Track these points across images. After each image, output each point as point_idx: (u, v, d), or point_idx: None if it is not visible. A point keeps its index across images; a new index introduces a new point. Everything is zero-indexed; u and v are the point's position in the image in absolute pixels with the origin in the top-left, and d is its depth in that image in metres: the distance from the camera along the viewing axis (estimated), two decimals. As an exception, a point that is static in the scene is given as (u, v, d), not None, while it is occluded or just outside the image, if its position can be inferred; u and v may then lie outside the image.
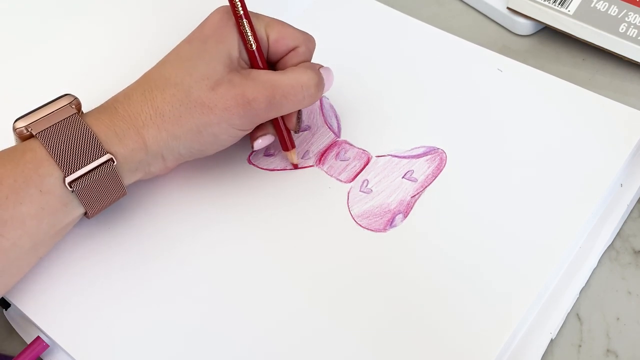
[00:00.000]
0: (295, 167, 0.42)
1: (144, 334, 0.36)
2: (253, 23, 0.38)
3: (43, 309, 0.38)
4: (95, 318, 0.37)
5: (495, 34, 0.52)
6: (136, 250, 0.39)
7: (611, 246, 0.40)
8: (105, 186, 0.36)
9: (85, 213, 0.37)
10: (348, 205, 0.40)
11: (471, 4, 0.54)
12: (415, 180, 0.41)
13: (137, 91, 0.38)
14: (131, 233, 0.40)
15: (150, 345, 0.36)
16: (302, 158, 0.43)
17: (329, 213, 0.40)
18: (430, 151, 0.42)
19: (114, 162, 0.36)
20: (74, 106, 0.37)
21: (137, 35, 0.49)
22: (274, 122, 0.40)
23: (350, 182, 0.42)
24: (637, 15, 0.47)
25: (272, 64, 0.40)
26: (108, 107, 0.37)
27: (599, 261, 0.40)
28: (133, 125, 0.37)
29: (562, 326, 0.37)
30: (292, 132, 0.41)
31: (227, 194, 0.41)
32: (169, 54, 0.39)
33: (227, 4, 0.38)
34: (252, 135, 0.40)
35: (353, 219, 0.40)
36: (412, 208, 0.40)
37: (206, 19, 0.39)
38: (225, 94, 0.37)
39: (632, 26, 0.47)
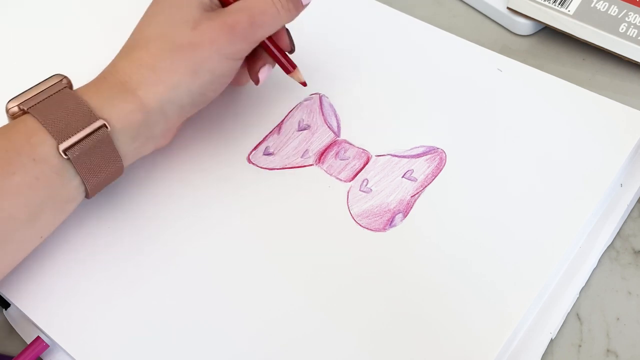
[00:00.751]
0: (304, 84, 0.42)
1: (144, 334, 0.36)
2: None
3: (43, 309, 0.38)
4: (95, 318, 0.37)
5: (495, 34, 0.52)
6: (136, 250, 0.39)
7: (611, 246, 0.40)
8: (101, 156, 0.36)
9: (85, 192, 0.37)
10: (348, 205, 0.40)
11: (471, 4, 0.54)
12: (415, 180, 0.41)
13: (121, 58, 0.38)
14: (131, 233, 0.40)
15: (150, 345, 0.36)
16: (301, 157, 0.43)
17: (328, 212, 0.40)
18: (430, 151, 0.42)
19: (107, 127, 0.36)
20: (64, 82, 0.37)
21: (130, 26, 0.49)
22: (268, 51, 0.41)
23: (350, 181, 0.42)
24: (637, 15, 0.47)
25: None
26: (97, 79, 0.38)
27: (599, 261, 0.40)
28: (124, 88, 0.37)
29: (562, 326, 0.37)
30: (288, 55, 0.42)
31: (227, 194, 0.41)
32: (140, 19, 0.39)
33: None
34: (252, 71, 0.41)
35: (353, 218, 0.40)
36: (411, 208, 0.40)
37: None
38: (207, 28, 0.37)
39: (632, 26, 0.47)
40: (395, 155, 0.42)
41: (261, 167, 0.43)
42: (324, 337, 0.36)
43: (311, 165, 0.43)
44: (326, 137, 0.44)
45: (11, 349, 0.39)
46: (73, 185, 0.36)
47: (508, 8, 0.51)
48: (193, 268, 0.39)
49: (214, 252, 0.39)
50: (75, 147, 0.35)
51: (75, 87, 0.38)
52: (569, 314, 0.38)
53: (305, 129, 0.44)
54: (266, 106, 0.45)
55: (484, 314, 0.36)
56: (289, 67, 0.41)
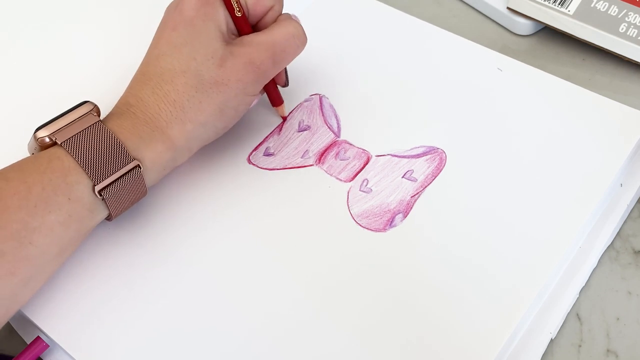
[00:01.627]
0: (284, 119, 0.44)
1: (143, 334, 0.36)
2: None
3: (43, 309, 0.38)
4: (95, 318, 0.37)
5: (495, 34, 0.52)
6: (136, 250, 0.39)
7: (611, 246, 0.40)
8: (131, 190, 0.37)
9: (109, 216, 0.37)
10: (348, 205, 0.40)
11: (471, 4, 0.54)
12: (415, 180, 0.41)
13: (146, 90, 0.38)
14: (131, 233, 0.40)
15: (150, 345, 0.36)
16: (301, 157, 0.43)
17: (328, 212, 0.40)
18: (430, 151, 0.42)
19: (140, 167, 0.36)
20: (95, 113, 0.37)
21: (129, 37, 0.49)
22: (265, 86, 0.42)
23: (350, 181, 0.42)
24: (637, 15, 0.47)
25: (253, 27, 0.41)
26: (125, 113, 0.37)
27: (599, 261, 0.40)
28: (157, 127, 0.37)
29: (562, 326, 0.37)
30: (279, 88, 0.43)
31: (227, 194, 0.41)
32: (157, 45, 0.38)
33: None
34: None
35: (353, 218, 0.40)
36: (411, 208, 0.40)
37: (179, 1, 0.39)
38: (234, 66, 0.38)
39: (632, 26, 0.47)
40: (396, 156, 0.42)
41: (261, 168, 0.43)
42: (324, 337, 0.36)
43: (311, 165, 0.43)
44: (326, 137, 0.44)
45: (11, 349, 0.39)
46: (101, 217, 0.37)
47: (508, 8, 0.51)
48: (193, 268, 0.39)
49: (214, 252, 0.39)
50: (110, 187, 0.36)
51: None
52: (569, 314, 0.38)
53: (305, 130, 0.44)
54: (266, 107, 0.45)
55: (484, 314, 0.36)
56: (277, 102, 0.44)
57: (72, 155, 0.35)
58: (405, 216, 0.40)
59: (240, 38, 0.39)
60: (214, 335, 0.36)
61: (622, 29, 0.47)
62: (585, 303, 0.38)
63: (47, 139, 0.36)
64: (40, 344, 0.37)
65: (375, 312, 0.36)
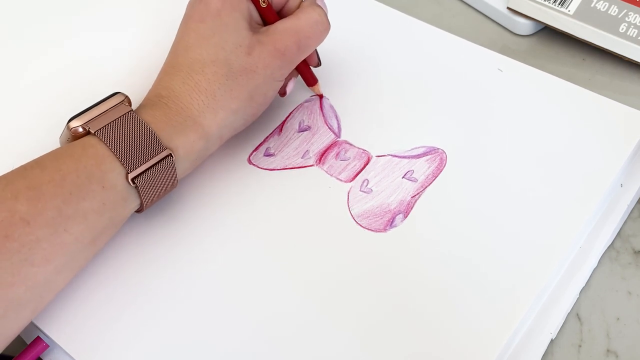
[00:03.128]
0: (321, 97, 0.45)
1: (143, 334, 0.36)
2: None
3: (43, 309, 0.37)
4: (95, 318, 0.37)
5: (495, 34, 0.52)
6: (136, 250, 0.39)
7: (611, 246, 0.40)
8: (163, 180, 0.37)
9: (140, 206, 0.38)
10: (348, 205, 0.40)
11: (471, 4, 0.54)
12: (415, 180, 0.41)
13: (176, 81, 0.38)
14: (131, 233, 0.40)
15: (150, 345, 0.36)
16: (302, 158, 0.43)
17: (329, 213, 0.40)
18: (431, 151, 0.42)
19: (172, 157, 0.37)
20: (126, 104, 0.37)
21: (148, 32, 0.49)
22: (298, 67, 0.43)
23: (350, 181, 0.42)
24: (637, 15, 0.47)
25: (278, 13, 0.42)
26: (157, 104, 0.38)
27: (599, 261, 0.40)
28: (189, 116, 0.38)
29: (562, 326, 0.37)
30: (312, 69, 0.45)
31: (227, 194, 0.41)
32: (184, 37, 0.39)
33: None
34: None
35: (353, 218, 0.40)
36: (412, 208, 0.40)
37: None
38: (261, 53, 0.38)
39: (632, 26, 0.47)
40: (396, 156, 0.42)
41: (262, 168, 0.43)
42: (325, 337, 0.36)
43: (312, 165, 0.43)
44: (326, 137, 0.44)
45: (11, 349, 0.39)
46: (133, 207, 0.37)
47: (508, 8, 0.51)
48: (193, 268, 0.39)
49: (214, 252, 0.39)
50: (143, 175, 0.36)
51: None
52: (569, 314, 0.38)
53: (305, 130, 0.44)
54: (267, 107, 0.45)
55: (484, 314, 0.36)
56: (312, 81, 0.45)
57: (105, 144, 0.35)
58: (405, 216, 0.40)
59: (267, 27, 0.40)
60: (214, 335, 0.36)
61: (622, 29, 0.47)
62: (585, 303, 0.38)
63: (80, 129, 0.36)
64: (40, 344, 0.37)
65: (375, 312, 0.36)
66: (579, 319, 0.38)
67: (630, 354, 0.37)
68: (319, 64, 0.45)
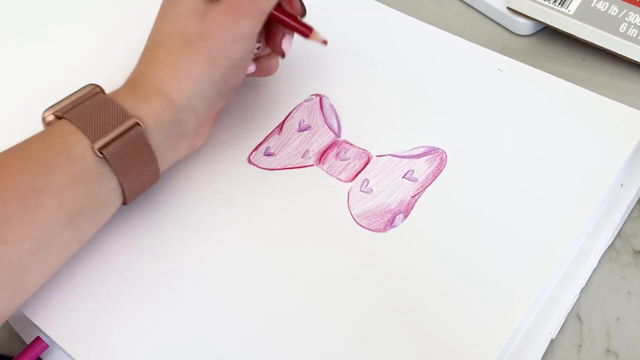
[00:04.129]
0: (325, 43, 0.41)
1: (143, 334, 0.36)
2: None
3: (43, 309, 0.38)
4: (95, 318, 0.37)
5: (495, 34, 0.52)
6: (136, 250, 0.39)
7: (611, 246, 0.40)
8: (137, 154, 0.37)
9: (123, 197, 0.37)
10: (348, 205, 0.40)
11: (471, 4, 0.54)
12: (415, 180, 0.41)
13: (143, 61, 0.39)
14: (130, 233, 0.40)
15: (150, 346, 0.36)
16: (302, 157, 0.43)
17: (329, 213, 0.40)
18: (431, 151, 0.42)
19: (140, 125, 0.36)
20: (97, 90, 0.38)
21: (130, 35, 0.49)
22: (280, 21, 0.40)
23: (351, 181, 0.42)
24: (637, 15, 0.47)
25: None
26: (126, 84, 0.39)
27: (599, 261, 0.40)
28: (152, 87, 0.38)
29: (562, 326, 0.37)
30: (301, 20, 0.41)
31: (227, 194, 0.41)
32: (155, 20, 0.40)
33: None
34: (275, 47, 0.41)
35: (353, 218, 0.40)
36: (412, 208, 0.40)
37: None
38: (215, 14, 0.38)
39: (632, 26, 0.47)
40: (396, 156, 0.42)
41: (262, 168, 0.42)
42: (324, 337, 0.36)
43: (312, 165, 0.43)
44: (327, 137, 0.44)
45: (11, 349, 0.39)
46: (110, 187, 0.37)
47: (508, 8, 0.51)
48: (193, 268, 0.39)
49: (214, 252, 0.39)
50: (110, 145, 0.36)
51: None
52: (569, 314, 0.38)
53: (305, 130, 0.44)
54: (267, 107, 0.45)
55: (485, 314, 0.36)
56: (306, 32, 0.41)
57: (71, 122, 0.36)
58: (405, 216, 0.40)
59: None
60: (214, 335, 0.36)
61: (622, 29, 0.47)
62: (585, 303, 0.38)
63: (52, 117, 0.37)
64: (40, 344, 0.37)
65: (375, 312, 0.36)
66: (579, 319, 0.38)
67: (630, 354, 0.37)
68: (303, 13, 0.42)
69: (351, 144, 0.43)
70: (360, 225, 0.39)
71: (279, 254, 0.39)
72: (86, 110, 0.36)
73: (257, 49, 0.42)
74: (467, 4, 0.54)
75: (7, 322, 0.39)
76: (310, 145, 0.43)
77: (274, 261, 0.39)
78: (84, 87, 0.38)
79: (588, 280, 0.39)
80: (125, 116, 0.36)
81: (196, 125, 0.39)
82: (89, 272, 0.39)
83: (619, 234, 0.41)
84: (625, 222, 0.41)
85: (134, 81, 0.39)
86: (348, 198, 0.41)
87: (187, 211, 0.41)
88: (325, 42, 0.41)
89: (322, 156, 0.43)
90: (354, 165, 0.42)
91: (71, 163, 0.35)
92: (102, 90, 0.39)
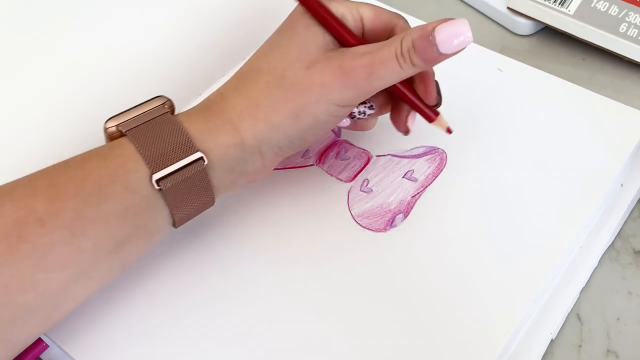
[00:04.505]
0: (450, 131, 0.38)
1: (144, 334, 0.36)
2: (334, 7, 0.36)
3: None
4: (95, 318, 0.37)
5: (495, 34, 0.52)
6: (136, 250, 0.39)
7: (611, 246, 0.40)
8: (194, 188, 0.34)
9: (173, 221, 0.35)
10: (348, 205, 0.40)
11: (471, 4, 0.54)
12: (415, 180, 0.41)
13: (230, 87, 0.36)
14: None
15: (150, 346, 0.36)
16: (302, 157, 0.43)
17: (329, 213, 0.40)
18: (431, 151, 0.42)
19: (204, 161, 0.34)
20: (166, 106, 0.36)
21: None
22: (408, 102, 0.38)
23: (351, 181, 0.42)
24: (637, 15, 0.47)
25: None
26: (201, 107, 0.36)
27: (599, 261, 0.40)
28: (228, 120, 0.35)
29: (562, 326, 0.37)
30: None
31: (226, 194, 0.41)
32: (261, 46, 0.37)
33: None
34: (397, 120, 0.39)
35: (353, 218, 0.40)
36: (412, 208, 0.40)
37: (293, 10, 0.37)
38: (322, 69, 0.34)
39: (632, 26, 0.47)
40: (396, 156, 0.42)
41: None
42: (324, 337, 0.36)
43: (312, 165, 0.43)
44: (327, 137, 0.44)
45: (11, 349, 0.39)
46: (162, 217, 0.35)
47: (508, 8, 0.51)
48: (192, 268, 0.39)
49: (213, 251, 0.39)
50: (169, 177, 0.34)
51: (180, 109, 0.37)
52: (569, 314, 0.38)
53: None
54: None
55: (485, 314, 0.36)
56: (432, 116, 0.38)
57: (134, 144, 0.33)
58: (405, 216, 0.40)
59: (348, 48, 0.36)
60: (213, 334, 0.36)
61: (622, 29, 0.47)
62: (585, 303, 0.38)
63: (115, 130, 0.35)
64: (40, 344, 0.37)
65: (375, 312, 0.36)
66: (579, 319, 0.38)
67: (630, 354, 0.37)
68: (439, 102, 0.38)
69: (351, 144, 0.43)
70: (360, 225, 0.39)
71: (278, 254, 0.39)
72: (151, 131, 0.34)
73: (363, 113, 0.38)
74: (467, 4, 0.54)
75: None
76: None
77: (274, 261, 0.38)
78: (152, 100, 0.36)
79: (588, 280, 0.39)
80: (192, 149, 0.34)
81: (260, 167, 0.36)
82: (88, 272, 0.39)
83: (619, 234, 0.41)
84: (625, 222, 0.41)
85: (212, 104, 0.36)
86: (348, 198, 0.41)
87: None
88: (450, 131, 0.38)
89: (322, 156, 0.43)
90: (354, 165, 0.42)
91: (125, 192, 0.33)
92: (172, 106, 0.36)
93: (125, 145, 0.34)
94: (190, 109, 0.36)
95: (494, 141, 0.42)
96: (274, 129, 0.35)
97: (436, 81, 0.38)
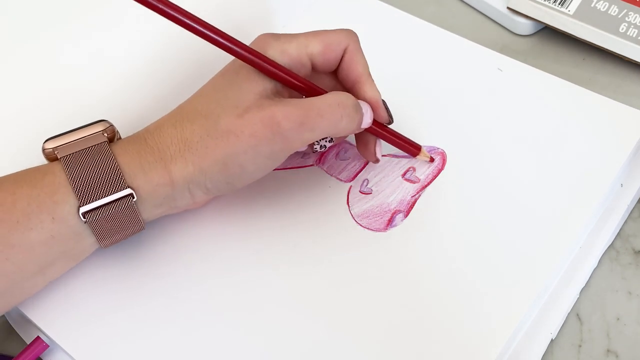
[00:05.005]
0: (432, 160, 0.41)
1: (143, 334, 0.36)
2: (281, 49, 0.36)
3: (43, 309, 0.38)
4: (95, 318, 0.37)
5: (495, 34, 0.51)
6: (135, 251, 0.39)
7: (611, 246, 0.40)
8: (122, 220, 0.35)
9: (101, 245, 0.36)
10: (348, 205, 0.40)
11: (471, 4, 0.54)
12: (415, 180, 0.41)
13: (169, 122, 0.36)
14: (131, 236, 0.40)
15: (150, 346, 0.36)
16: (301, 157, 0.43)
17: (328, 212, 0.40)
18: (431, 151, 0.42)
19: (133, 197, 0.34)
20: (106, 134, 0.36)
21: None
22: (391, 142, 0.39)
23: (350, 181, 0.42)
24: (637, 15, 0.47)
25: (333, 76, 0.39)
26: (138, 138, 0.36)
27: (599, 261, 0.40)
28: (161, 159, 0.35)
29: (562, 326, 0.37)
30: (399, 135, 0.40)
31: (226, 195, 0.41)
32: (203, 86, 0.37)
33: (261, 33, 0.37)
34: (366, 152, 0.40)
35: (353, 218, 0.40)
36: (412, 208, 0.40)
37: None
38: (253, 117, 0.34)
39: (632, 26, 0.47)
40: (396, 156, 0.42)
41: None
42: (324, 337, 0.36)
43: (311, 165, 0.43)
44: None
45: (11, 349, 0.39)
46: (89, 242, 0.36)
47: (508, 8, 0.51)
48: (192, 268, 0.39)
49: (213, 252, 0.39)
50: (97, 211, 0.34)
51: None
52: (569, 314, 0.38)
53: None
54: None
55: (485, 314, 0.36)
56: (415, 151, 0.40)
57: (65, 173, 0.34)
58: (405, 216, 0.40)
59: (288, 98, 0.36)
60: (213, 335, 0.36)
61: (622, 29, 0.47)
62: (585, 303, 0.38)
63: (53, 152, 0.35)
64: (40, 344, 0.37)
65: (375, 312, 0.36)
66: (579, 319, 0.38)
67: (630, 354, 0.37)
68: (389, 121, 0.39)
69: (351, 144, 0.43)
70: (360, 225, 0.39)
71: (278, 254, 0.39)
72: (85, 161, 0.34)
73: (324, 147, 0.38)
74: (467, 4, 0.54)
75: (7, 322, 0.40)
76: (310, 145, 0.43)
77: (274, 261, 0.39)
78: (94, 124, 0.36)
79: (588, 280, 0.39)
80: (122, 185, 0.34)
81: (190, 202, 0.37)
82: (89, 272, 0.39)
83: (619, 234, 0.41)
84: (625, 222, 0.41)
85: (149, 137, 0.36)
86: (348, 198, 0.41)
87: (187, 211, 0.41)
88: (432, 160, 0.41)
89: (322, 156, 0.43)
90: (354, 165, 0.42)
91: (52, 222, 0.34)
92: (113, 133, 0.36)
93: (57, 173, 0.34)
94: (128, 137, 0.36)
95: (494, 141, 0.42)
96: (202, 174, 0.35)
97: (383, 100, 0.39)
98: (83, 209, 0.34)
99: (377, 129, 0.39)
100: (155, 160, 0.35)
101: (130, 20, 0.48)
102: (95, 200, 0.34)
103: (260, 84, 0.35)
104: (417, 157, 0.41)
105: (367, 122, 0.37)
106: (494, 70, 0.46)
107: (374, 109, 0.38)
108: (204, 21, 0.34)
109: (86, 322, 0.37)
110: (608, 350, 0.37)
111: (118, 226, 0.35)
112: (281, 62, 0.36)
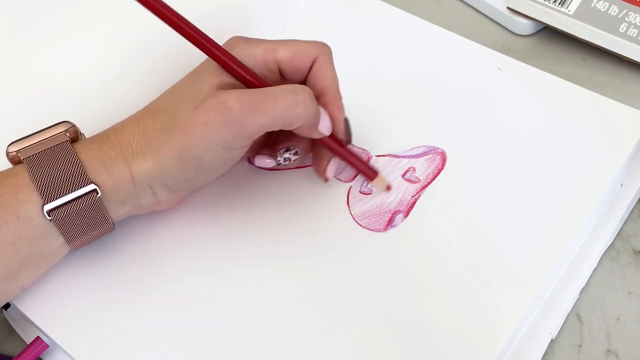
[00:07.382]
0: (389, 189, 0.40)
1: (143, 335, 0.36)
2: (250, 50, 0.36)
3: (43, 309, 0.38)
4: (95, 318, 0.37)
5: (495, 34, 0.51)
6: (136, 251, 0.39)
7: (611, 246, 0.40)
8: (89, 218, 0.35)
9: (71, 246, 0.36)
10: (348, 205, 0.40)
11: (471, 4, 0.54)
12: (415, 180, 0.41)
13: (133, 120, 0.36)
14: (131, 233, 0.40)
15: (149, 346, 0.36)
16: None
17: (328, 213, 0.40)
18: (430, 151, 0.42)
19: (97, 193, 0.34)
20: (68, 134, 0.36)
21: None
22: (347, 161, 0.39)
23: (350, 181, 0.42)
24: (637, 15, 0.47)
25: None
26: (101, 136, 0.36)
27: (599, 261, 0.40)
28: (122, 154, 0.35)
29: (562, 326, 0.37)
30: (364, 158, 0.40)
31: (226, 194, 0.41)
32: (172, 85, 0.38)
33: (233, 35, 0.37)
34: (318, 167, 0.39)
35: (353, 218, 0.40)
36: (412, 208, 0.40)
37: None
38: (206, 107, 0.34)
39: (632, 26, 0.47)
40: (396, 156, 0.42)
41: (262, 168, 0.42)
42: (323, 337, 0.36)
43: (311, 165, 0.42)
44: (326, 137, 0.44)
45: (11, 349, 0.39)
46: (57, 244, 0.36)
47: (508, 8, 0.51)
48: (193, 268, 0.39)
49: (213, 252, 0.39)
50: (61, 208, 0.34)
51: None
52: (569, 314, 0.38)
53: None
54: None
55: (485, 314, 0.36)
56: (372, 175, 0.40)
57: (29, 173, 0.34)
58: (405, 216, 0.40)
59: (243, 88, 0.35)
60: (213, 335, 0.36)
61: (622, 29, 0.47)
62: (585, 303, 0.38)
63: (15, 154, 0.35)
64: (40, 344, 0.37)
65: (375, 312, 0.36)
66: (579, 319, 0.38)
67: (630, 354, 0.37)
68: (348, 140, 0.39)
69: (351, 144, 0.43)
70: (360, 225, 0.39)
71: (278, 254, 0.39)
72: (47, 161, 0.34)
73: (288, 160, 0.39)
74: (467, 4, 0.54)
75: (7, 322, 0.40)
76: (310, 145, 0.43)
77: (274, 261, 0.39)
78: (56, 126, 0.36)
79: (588, 280, 0.39)
80: (85, 181, 0.34)
81: (154, 202, 0.37)
82: (89, 273, 0.39)
83: (619, 234, 0.41)
84: (625, 222, 0.41)
85: (112, 134, 0.36)
86: (348, 198, 0.41)
87: (187, 211, 0.41)
88: (389, 188, 0.40)
89: (322, 156, 0.43)
90: (354, 165, 0.42)
91: (18, 222, 0.33)
92: (76, 133, 0.36)
93: (21, 174, 0.34)
94: (92, 136, 0.36)
95: (493, 141, 0.42)
96: (161, 169, 0.35)
97: (346, 118, 0.38)
98: (47, 207, 0.34)
99: (334, 144, 0.38)
100: (117, 155, 0.35)
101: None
102: (59, 197, 0.34)
103: (219, 78, 0.35)
104: (374, 182, 0.40)
105: (325, 125, 0.37)
106: (494, 70, 0.46)
107: (333, 123, 0.37)
108: (169, 6, 0.33)
109: (86, 322, 0.37)
110: (608, 350, 0.37)
111: (86, 225, 0.35)
112: (246, 63, 0.36)
